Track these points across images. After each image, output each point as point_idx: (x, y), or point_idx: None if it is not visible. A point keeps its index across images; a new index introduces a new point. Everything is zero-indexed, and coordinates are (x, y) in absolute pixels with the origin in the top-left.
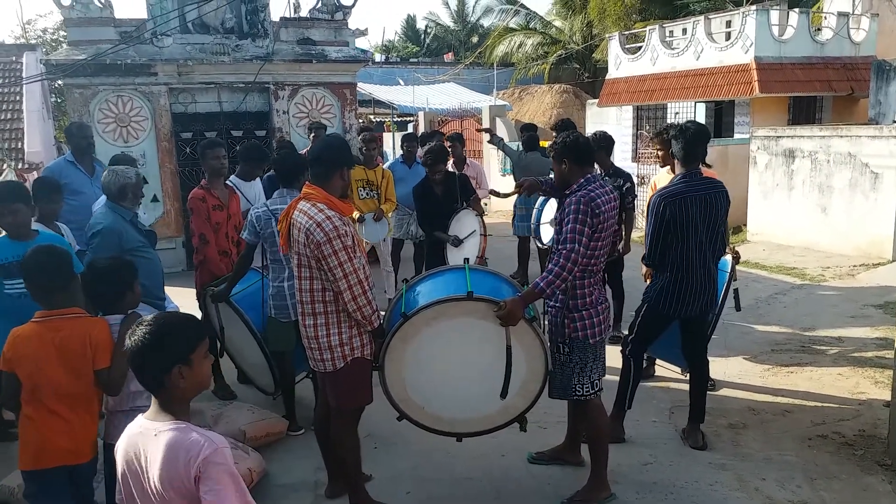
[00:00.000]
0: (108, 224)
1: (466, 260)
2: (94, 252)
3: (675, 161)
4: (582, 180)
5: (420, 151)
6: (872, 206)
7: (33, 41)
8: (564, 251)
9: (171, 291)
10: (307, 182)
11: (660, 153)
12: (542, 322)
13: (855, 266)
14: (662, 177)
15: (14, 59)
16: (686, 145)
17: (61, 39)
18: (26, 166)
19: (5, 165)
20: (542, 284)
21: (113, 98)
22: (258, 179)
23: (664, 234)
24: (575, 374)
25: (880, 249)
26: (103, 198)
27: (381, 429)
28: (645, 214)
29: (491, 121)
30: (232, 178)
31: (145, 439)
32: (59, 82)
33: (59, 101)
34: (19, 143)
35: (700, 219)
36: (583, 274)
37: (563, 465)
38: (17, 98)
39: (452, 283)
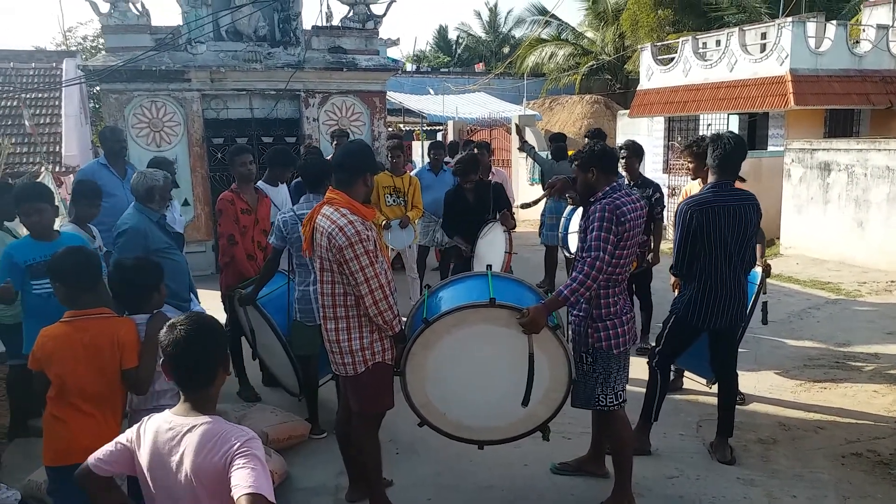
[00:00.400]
0: (133, 224)
1: (489, 266)
2: (120, 252)
3: (709, 171)
4: (607, 188)
5: (449, 160)
6: None
7: (73, 48)
8: (589, 259)
9: (200, 294)
10: (330, 187)
11: (691, 165)
12: (566, 331)
13: (892, 282)
14: (693, 188)
15: (54, 65)
16: (723, 156)
17: (100, 46)
18: (63, 169)
19: (43, 168)
20: (565, 292)
21: (147, 103)
22: (285, 185)
23: (691, 243)
24: (599, 385)
25: None
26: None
27: (403, 434)
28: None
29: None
30: (259, 183)
31: (178, 434)
32: (97, 88)
33: (96, 106)
34: (57, 147)
35: (728, 229)
36: (607, 283)
37: (587, 476)
38: (57, 103)
39: (475, 289)
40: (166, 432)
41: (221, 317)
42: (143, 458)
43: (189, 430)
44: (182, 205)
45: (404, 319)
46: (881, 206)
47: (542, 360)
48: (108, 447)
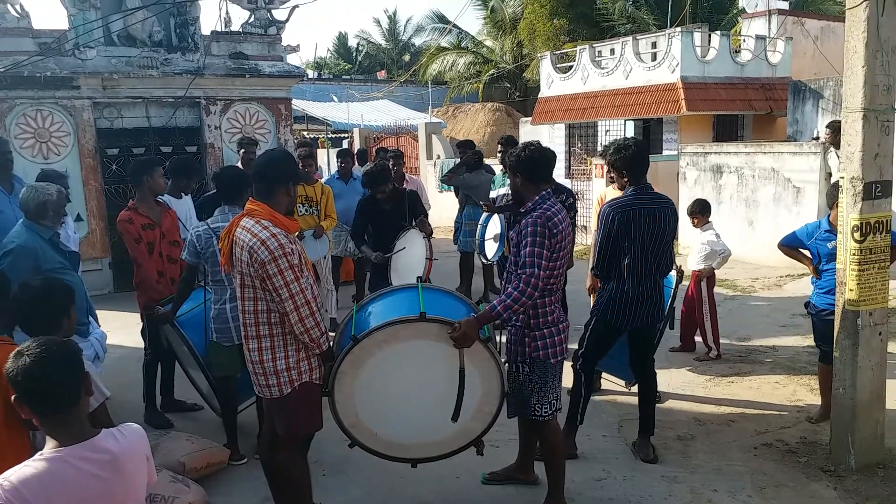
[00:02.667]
0: (21, 242)
1: (419, 279)
2: (7, 273)
3: (619, 176)
4: (537, 198)
5: (357, 168)
6: (795, 218)
7: None
8: (524, 276)
9: (100, 315)
10: (250, 198)
11: (612, 174)
12: (497, 342)
13: (782, 277)
14: (610, 191)
15: None
16: (634, 163)
17: None
18: None
19: None
20: (498, 308)
21: (31, 112)
22: (189, 197)
23: (612, 245)
24: (534, 394)
25: None
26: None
27: (329, 455)
28: (586, 229)
29: (427, 138)
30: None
31: (63, 467)
32: None
33: None
34: None
35: (647, 231)
36: (543, 293)
37: (518, 484)
38: None
39: (405, 303)
40: (58, 470)
41: (135, 337)
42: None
43: (83, 458)
44: (75, 220)
45: (332, 335)
46: (768, 205)
47: (473, 373)
48: None
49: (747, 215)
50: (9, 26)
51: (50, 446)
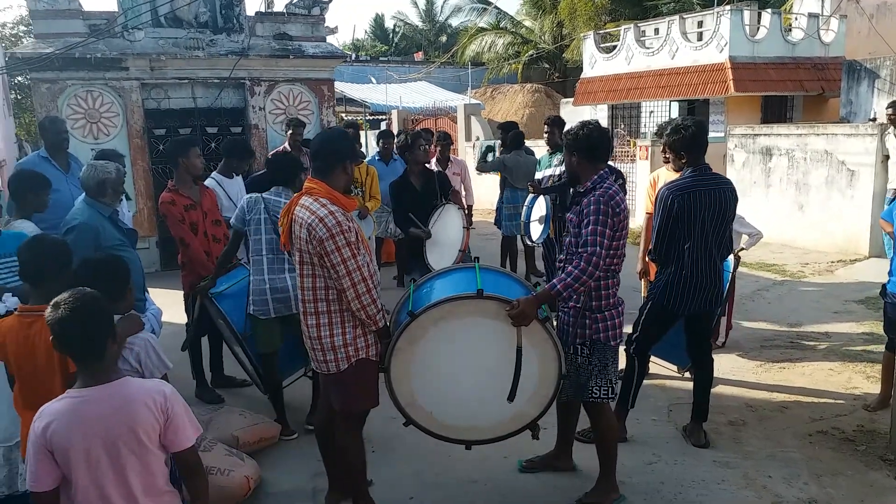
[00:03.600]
0: (84, 219)
1: (477, 259)
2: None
3: (676, 159)
4: (595, 177)
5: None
6: (849, 202)
7: None
8: (586, 254)
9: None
10: (309, 176)
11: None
12: (553, 323)
13: (833, 262)
14: (664, 173)
15: None
16: (692, 144)
17: (21, 34)
18: None
19: None
20: (558, 286)
21: (82, 93)
22: (240, 177)
23: (671, 229)
24: (593, 377)
25: (856, 245)
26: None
27: (378, 432)
28: (633, 213)
29: (466, 119)
30: (214, 174)
31: (90, 406)
32: (20, 78)
33: (18, 97)
34: None
35: (708, 214)
36: (605, 274)
37: (556, 472)
38: None
39: (462, 281)
40: (75, 406)
41: (183, 315)
42: (63, 443)
43: (109, 397)
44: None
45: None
46: (820, 188)
47: (531, 354)
48: (32, 466)
49: (797, 199)
50: (60, 8)
51: (77, 386)
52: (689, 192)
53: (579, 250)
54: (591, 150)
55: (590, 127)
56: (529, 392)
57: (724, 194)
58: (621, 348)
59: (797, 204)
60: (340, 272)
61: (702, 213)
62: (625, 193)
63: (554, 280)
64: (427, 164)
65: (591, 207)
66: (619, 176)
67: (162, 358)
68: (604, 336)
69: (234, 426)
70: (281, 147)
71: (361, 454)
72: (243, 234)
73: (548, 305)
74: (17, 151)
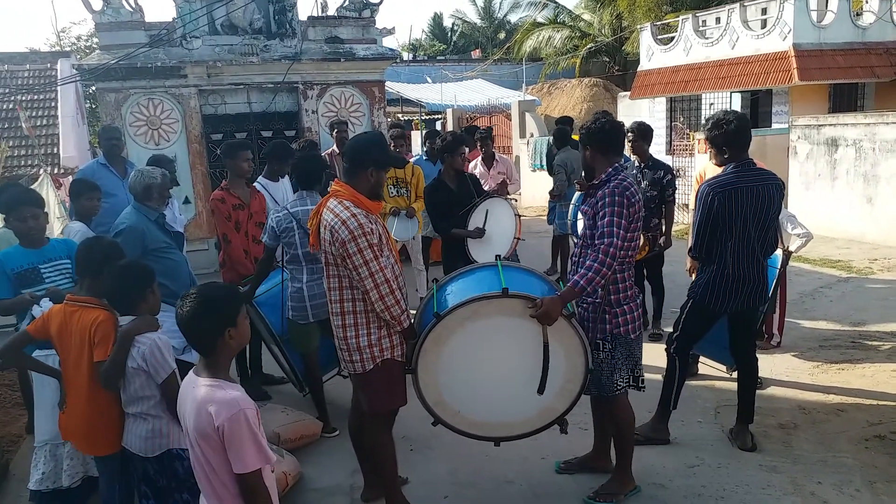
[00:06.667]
0: (131, 223)
1: (498, 256)
2: None
3: (719, 154)
4: (610, 170)
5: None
6: None
7: (67, 48)
8: (603, 246)
9: None
10: (336, 179)
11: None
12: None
13: None
14: (710, 167)
15: (49, 65)
16: (731, 139)
17: (94, 46)
18: (61, 171)
19: (41, 170)
20: (581, 282)
21: (144, 101)
22: (286, 179)
23: (712, 226)
24: (617, 370)
25: None
26: None
27: (416, 431)
28: (686, 207)
29: (520, 116)
30: (259, 178)
31: (188, 390)
32: (93, 88)
33: (93, 106)
34: (55, 149)
35: (750, 211)
36: (621, 267)
37: (593, 472)
38: (53, 104)
39: (486, 280)
40: (185, 385)
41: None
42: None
43: (194, 388)
44: (183, 203)
45: (413, 313)
46: (891, 180)
47: (557, 350)
48: None
49: (866, 191)
50: (123, 20)
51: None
52: (730, 190)
53: (596, 242)
54: (604, 143)
55: (602, 120)
56: (556, 387)
57: (768, 190)
58: (662, 347)
59: (865, 197)
60: (363, 273)
61: (743, 211)
62: (674, 189)
63: (575, 277)
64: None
65: (607, 199)
66: (668, 171)
67: (166, 358)
68: (624, 330)
69: (275, 423)
70: (329, 149)
71: (392, 453)
72: (275, 250)
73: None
74: (91, 158)
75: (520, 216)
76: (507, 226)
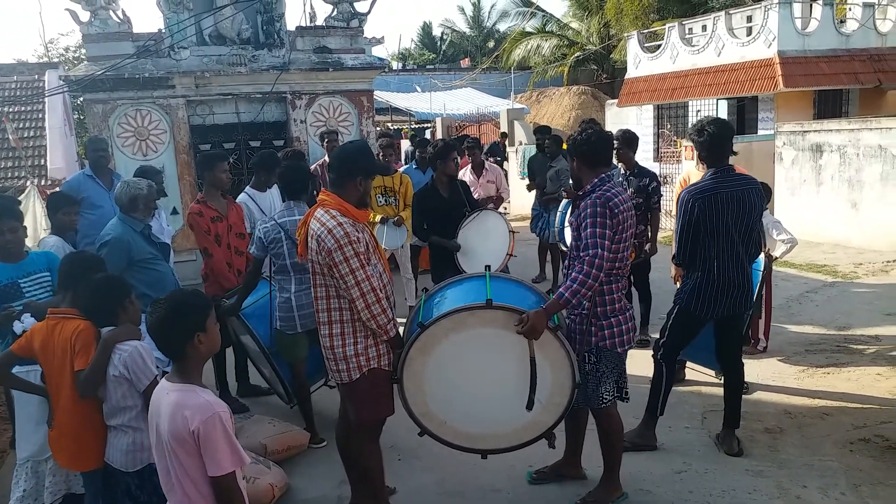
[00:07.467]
0: (116, 234)
1: (488, 267)
2: None
3: (702, 160)
4: (595, 180)
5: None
6: None
7: (55, 60)
8: (587, 257)
9: None
10: (323, 189)
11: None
12: (565, 330)
13: (889, 262)
14: (693, 172)
15: (36, 77)
16: (710, 145)
17: (82, 57)
18: (49, 182)
19: (28, 182)
20: (566, 294)
21: (132, 112)
22: (275, 189)
23: (694, 232)
24: (602, 383)
25: None
26: None
27: (404, 440)
28: (672, 214)
29: (509, 124)
30: (247, 189)
31: (161, 395)
32: (80, 99)
33: (81, 117)
34: (42, 160)
35: (732, 217)
36: (609, 279)
37: (565, 480)
38: (40, 115)
39: (472, 291)
40: (157, 392)
41: None
42: (149, 417)
43: (167, 394)
44: (171, 213)
45: (402, 321)
46: (874, 185)
47: (543, 363)
48: None
49: (850, 196)
50: (111, 31)
51: (167, 376)
52: (709, 195)
53: (581, 254)
54: (590, 154)
55: (588, 131)
56: (543, 400)
57: (749, 195)
58: (649, 353)
59: (850, 202)
60: (349, 282)
61: (724, 216)
62: (659, 196)
63: (560, 289)
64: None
65: (588, 210)
66: (654, 179)
67: (148, 364)
68: (610, 343)
69: (262, 434)
70: (322, 159)
71: (379, 463)
72: (263, 261)
73: (559, 313)
74: (79, 169)
75: (513, 232)
76: (501, 241)
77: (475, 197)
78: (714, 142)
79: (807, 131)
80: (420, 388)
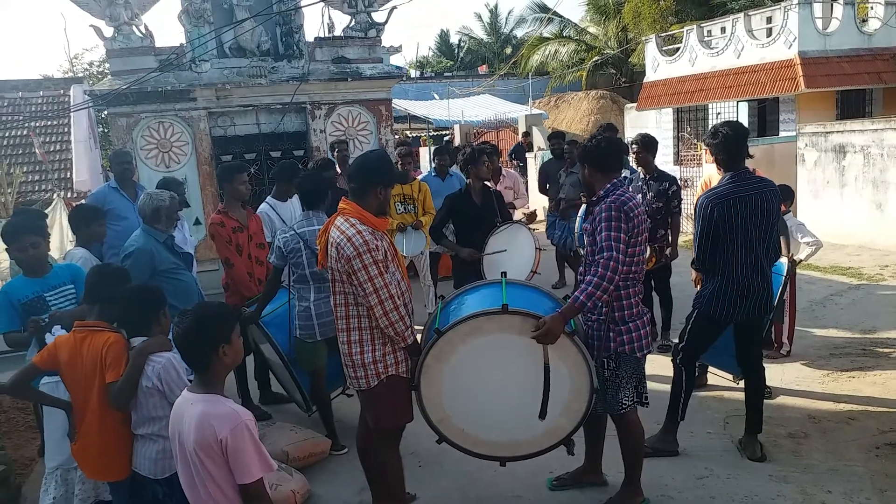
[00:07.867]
0: (140, 245)
1: (504, 273)
2: None
3: (719, 164)
4: (608, 186)
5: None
6: None
7: (80, 74)
8: (603, 260)
9: None
10: (343, 198)
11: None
12: (582, 335)
13: None
14: (714, 175)
15: (62, 92)
16: (726, 147)
17: (106, 71)
18: (74, 195)
19: (55, 195)
20: (581, 298)
21: (154, 124)
22: (295, 198)
23: (713, 237)
24: (621, 389)
25: None
26: None
27: (425, 447)
28: (692, 217)
29: (527, 130)
30: (268, 199)
31: (184, 406)
32: (105, 112)
33: (105, 130)
34: (68, 173)
35: (751, 220)
36: (626, 283)
37: (586, 486)
38: (66, 129)
39: (488, 297)
40: (180, 404)
41: None
42: (171, 429)
43: (191, 404)
44: (193, 224)
45: (420, 328)
46: None
47: (561, 369)
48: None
49: (875, 198)
50: (134, 46)
51: (189, 387)
52: (727, 200)
53: (596, 258)
54: (601, 161)
55: (599, 138)
56: (562, 406)
57: (766, 198)
58: (667, 359)
59: (875, 203)
60: (367, 290)
61: (743, 220)
62: (679, 200)
63: (576, 293)
64: (488, 182)
65: (603, 214)
66: (674, 183)
67: (181, 376)
68: (629, 348)
69: (284, 442)
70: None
71: (399, 469)
72: (282, 270)
73: (576, 318)
74: (104, 182)
75: (540, 249)
76: (527, 257)
77: None
78: (729, 144)
79: (829, 132)
80: (438, 394)
